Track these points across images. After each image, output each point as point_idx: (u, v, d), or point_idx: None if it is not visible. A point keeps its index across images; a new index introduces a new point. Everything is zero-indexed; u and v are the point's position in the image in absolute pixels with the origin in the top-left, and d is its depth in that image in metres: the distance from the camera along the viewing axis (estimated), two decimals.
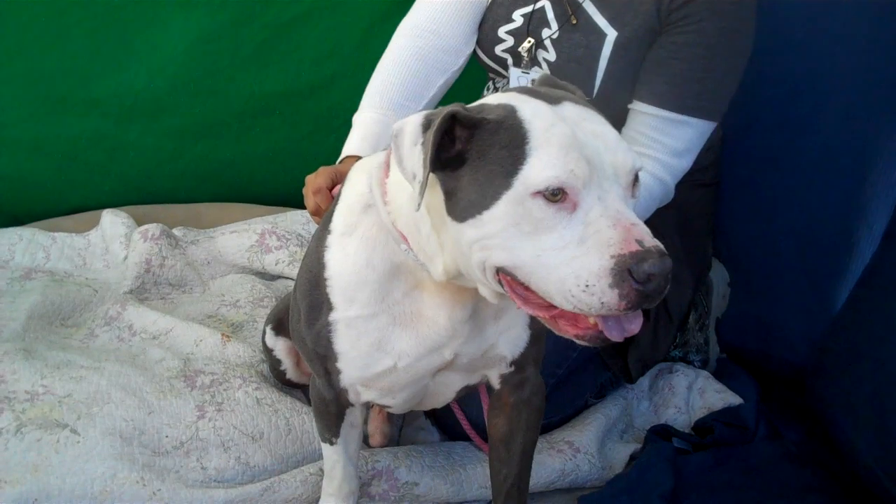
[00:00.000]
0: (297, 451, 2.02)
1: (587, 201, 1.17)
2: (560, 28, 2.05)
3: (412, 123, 1.21)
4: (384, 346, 1.48)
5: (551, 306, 1.22)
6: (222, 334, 2.33)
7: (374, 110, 2.11)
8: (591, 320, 1.21)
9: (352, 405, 1.68)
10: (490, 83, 2.31)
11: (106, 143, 2.98)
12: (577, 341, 1.24)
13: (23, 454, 1.86)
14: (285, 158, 3.09)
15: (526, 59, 2.09)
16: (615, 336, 1.21)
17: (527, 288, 1.23)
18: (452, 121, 1.20)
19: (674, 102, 1.91)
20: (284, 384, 2.20)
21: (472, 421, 1.99)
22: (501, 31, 2.14)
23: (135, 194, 3.05)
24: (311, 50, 3.02)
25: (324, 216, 1.54)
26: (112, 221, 2.83)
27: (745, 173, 2.52)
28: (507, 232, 1.18)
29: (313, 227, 2.76)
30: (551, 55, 2.07)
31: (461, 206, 1.21)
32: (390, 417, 2.19)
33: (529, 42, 2.09)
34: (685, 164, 1.96)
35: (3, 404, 1.97)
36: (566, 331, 1.24)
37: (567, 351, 2.13)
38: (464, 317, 1.46)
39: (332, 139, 2.11)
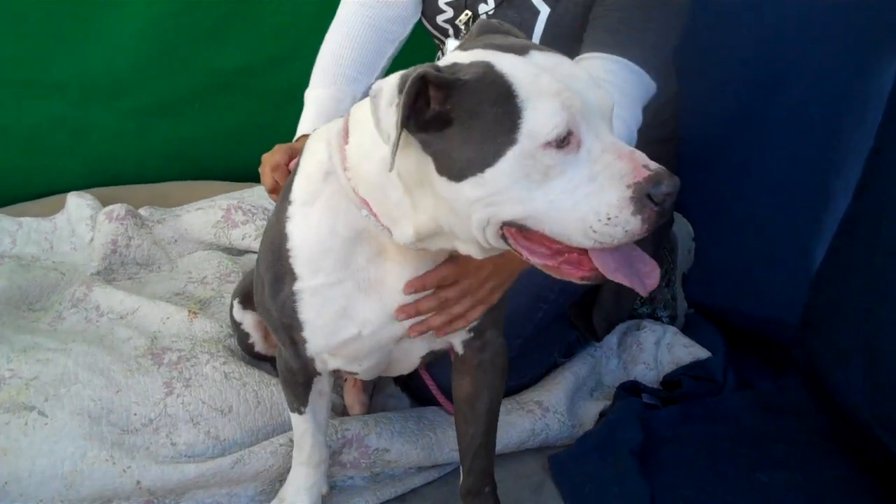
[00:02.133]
0: (266, 424, 2.03)
1: (588, 139, 1.19)
2: (496, 5, 2.04)
3: (389, 84, 1.20)
4: (349, 314, 1.48)
5: (555, 254, 1.25)
6: (189, 311, 2.32)
7: (326, 87, 2.10)
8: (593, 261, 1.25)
9: (319, 374, 1.69)
10: (439, 52, 2.30)
11: (68, 126, 2.96)
12: (581, 282, 1.27)
13: None
14: (249, 134, 3.07)
15: (464, 31, 2.09)
16: (640, 289, 1.25)
17: (529, 239, 1.25)
18: (423, 82, 1.19)
19: (616, 48, 1.85)
20: (253, 357, 2.20)
21: (441, 385, 1.99)
22: (442, 2, 2.13)
23: (100, 176, 3.03)
24: (269, 23, 3.00)
25: (283, 188, 1.53)
26: (77, 204, 2.82)
27: (713, 129, 2.52)
28: (517, 185, 1.19)
29: None
30: None
31: (458, 166, 1.21)
32: (365, 387, 2.20)
33: (467, 15, 2.08)
34: (639, 113, 1.93)
35: None
36: (571, 274, 1.26)
37: (533, 312, 2.14)
38: None
39: (294, 112, 2.11)
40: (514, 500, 1.92)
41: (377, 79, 2.16)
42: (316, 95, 2.09)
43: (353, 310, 1.48)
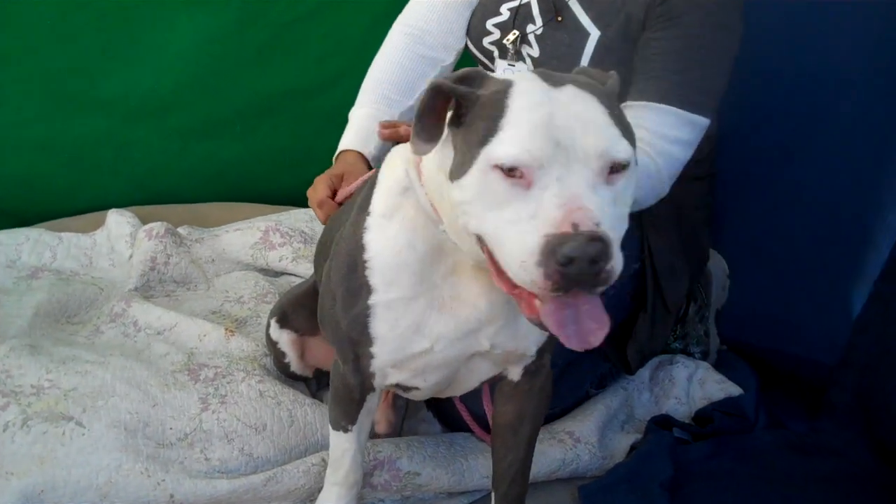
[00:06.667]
0: (299, 443, 2.04)
1: (543, 181, 1.17)
2: (544, 24, 2.07)
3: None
4: (422, 329, 1.49)
5: (512, 286, 1.25)
6: (226, 329, 2.34)
7: (366, 106, 2.18)
8: (536, 304, 1.23)
9: (373, 390, 1.68)
10: None
11: (112, 142, 3.00)
12: (529, 321, 1.26)
13: (29, 447, 1.88)
14: (290, 157, 3.11)
15: (511, 51, 2.12)
16: (573, 344, 1.21)
17: (494, 262, 1.26)
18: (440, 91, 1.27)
19: (655, 94, 1.90)
20: (288, 376, 2.21)
21: (473, 412, 2.01)
22: (489, 24, 2.17)
23: (140, 194, 3.06)
24: (314, 49, 3.04)
25: (360, 200, 1.55)
26: (117, 221, 2.86)
27: (751, 164, 2.52)
28: (478, 200, 1.22)
29: (317, 224, 2.78)
30: (535, 51, 2.10)
31: (453, 166, 1.27)
32: (395, 406, 2.21)
33: (514, 34, 2.11)
34: (677, 150, 1.92)
35: (10, 398, 1.99)
36: (522, 310, 1.26)
37: None
38: (500, 301, 1.47)
39: (336, 138, 2.17)
40: None
41: (417, 101, 2.21)
42: (357, 114, 2.18)
43: (425, 325, 1.48)
